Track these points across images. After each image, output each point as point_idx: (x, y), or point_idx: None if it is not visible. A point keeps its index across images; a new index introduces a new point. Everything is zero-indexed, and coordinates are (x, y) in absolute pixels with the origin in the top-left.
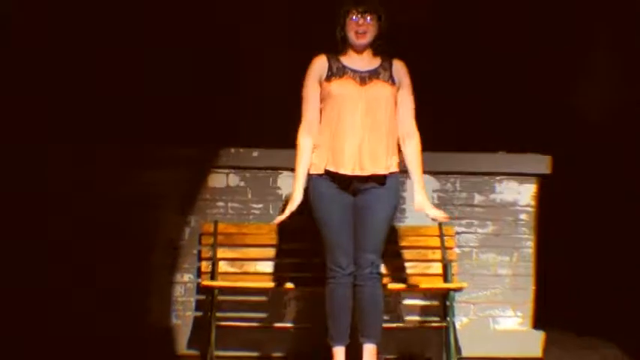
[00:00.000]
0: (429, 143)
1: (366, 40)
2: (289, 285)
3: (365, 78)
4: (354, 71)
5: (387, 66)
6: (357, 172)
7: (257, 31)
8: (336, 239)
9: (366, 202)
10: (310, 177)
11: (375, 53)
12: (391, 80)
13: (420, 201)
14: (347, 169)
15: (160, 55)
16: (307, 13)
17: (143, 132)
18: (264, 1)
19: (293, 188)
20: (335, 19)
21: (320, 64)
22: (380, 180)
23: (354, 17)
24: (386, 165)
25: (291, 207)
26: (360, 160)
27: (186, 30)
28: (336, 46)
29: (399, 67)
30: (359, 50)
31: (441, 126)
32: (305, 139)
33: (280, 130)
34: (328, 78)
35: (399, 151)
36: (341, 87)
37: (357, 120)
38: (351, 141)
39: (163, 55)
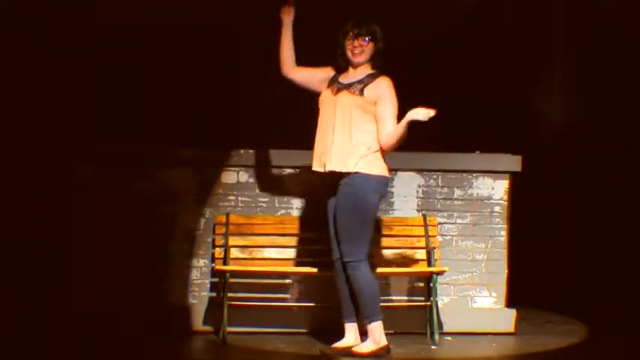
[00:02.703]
0: (416, 145)
1: (362, 58)
2: (292, 269)
3: (340, 89)
4: (339, 83)
5: (366, 80)
6: (327, 169)
7: (257, 31)
8: (329, 231)
9: (337, 198)
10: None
11: (373, 68)
12: (359, 92)
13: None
14: (319, 167)
15: (164, 59)
16: (307, 13)
17: (143, 132)
18: (264, 1)
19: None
20: (336, 38)
21: (331, 71)
22: (348, 178)
23: (352, 38)
24: (351, 164)
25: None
26: (330, 158)
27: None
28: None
29: (380, 82)
30: (356, 66)
31: (425, 130)
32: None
33: (280, 130)
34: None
35: (383, 154)
36: (322, 96)
37: (329, 124)
38: (324, 141)
39: (167, 58)
